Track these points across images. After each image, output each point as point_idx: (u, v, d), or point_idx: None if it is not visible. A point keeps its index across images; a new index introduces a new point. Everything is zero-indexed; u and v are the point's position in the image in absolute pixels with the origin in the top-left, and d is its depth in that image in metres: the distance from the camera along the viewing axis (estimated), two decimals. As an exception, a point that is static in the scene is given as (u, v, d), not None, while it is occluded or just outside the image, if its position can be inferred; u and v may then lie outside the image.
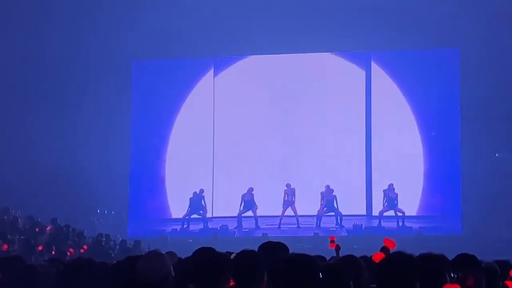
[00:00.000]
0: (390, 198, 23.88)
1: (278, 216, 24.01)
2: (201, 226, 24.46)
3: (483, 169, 23.18)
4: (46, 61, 25.08)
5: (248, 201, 24.01)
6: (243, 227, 24.15)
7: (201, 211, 24.51)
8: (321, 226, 23.92)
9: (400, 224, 23.76)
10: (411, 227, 23.47)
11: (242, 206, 24.07)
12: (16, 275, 6.52)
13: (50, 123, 24.72)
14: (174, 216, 25.02)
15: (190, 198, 24.53)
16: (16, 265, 6.77)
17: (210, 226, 24.39)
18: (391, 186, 23.83)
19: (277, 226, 23.88)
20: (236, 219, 24.21)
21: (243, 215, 24.14)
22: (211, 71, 25.91)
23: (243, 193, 24.12)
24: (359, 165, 24.83)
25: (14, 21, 24.45)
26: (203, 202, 24.61)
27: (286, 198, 23.99)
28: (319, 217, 24.04)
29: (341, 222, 23.89)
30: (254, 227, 24.08)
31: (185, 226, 24.39)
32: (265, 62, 25.66)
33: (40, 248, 13.90)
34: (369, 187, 24.71)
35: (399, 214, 23.83)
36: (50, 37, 24.74)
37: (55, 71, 25.23)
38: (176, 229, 24.37)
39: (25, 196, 21.28)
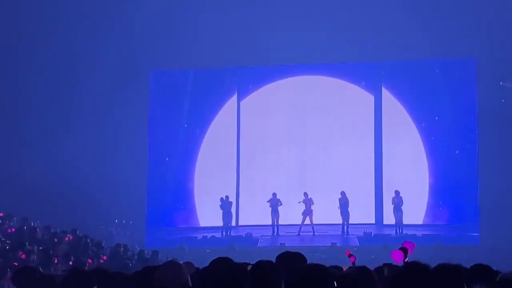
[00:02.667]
0: (397, 204, 24.14)
1: (297, 225, 24.62)
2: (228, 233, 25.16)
3: (501, 178, 23.04)
4: (64, 71, 25.28)
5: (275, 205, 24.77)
6: (265, 235, 24.77)
7: (230, 218, 25.22)
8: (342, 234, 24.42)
9: (418, 234, 23.75)
10: (428, 237, 23.41)
11: (272, 211, 24.77)
12: (31, 285, 6.55)
13: (68, 134, 24.86)
14: (201, 225, 25.62)
15: (221, 205, 24.87)
16: (31, 275, 6.81)
17: (232, 234, 25.09)
18: (397, 193, 23.99)
19: (295, 234, 24.54)
20: (258, 227, 24.89)
21: (265, 223, 24.88)
22: (235, 83, 26.14)
23: (265, 201, 24.77)
24: (369, 176, 25.01)
25: (34, 30, 24.66)
26: (231, 209, 25.04)
27: (305, 208, 24.58)
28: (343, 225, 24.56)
29: (347, 229, 24.26)
30: (275, 234, 24.81)
31: (224, 234, 24.99)
32: (288, 83, 25.99)
33: (56, 260, 13.95)
34: (379, 197, 24.82)
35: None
36: (68, 47, 24.95)
37: (73, 80, 25.40)
38: (207, 236, 24.90)
39: (44, 207, 21.38)
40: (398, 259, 5.67)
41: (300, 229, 24.63)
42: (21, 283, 6.79)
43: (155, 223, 25.42)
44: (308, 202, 24.50)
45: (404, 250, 5.67)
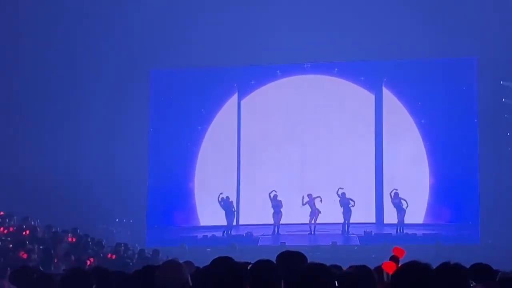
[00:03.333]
0: (397, 205, 24.04)
1: (297, 224, 24.63)
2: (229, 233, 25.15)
3: (501, 177, 23.04)
4: (64, 71, 25.28)
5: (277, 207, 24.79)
6: (265, 234, 24.75)
7: (233, 218, 25.21)
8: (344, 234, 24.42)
9: (419, 233, 23.76)
10: (429, 236, 23.42)
11: (274, 213, 24.71)
12: (30, 285, 6.55)
13: (69, 133, 24.88)
14: (202, 224, 25.60)
15: (222, 204, 24.78)
16: (30, 275, 6.80)
17: (233, 233, 25.04)
18: (396, 194, 23.99)
19: (296, 233, 24.48)
20: (258, 226, 24.87)
21: (266, 223, 24.81)
22: (235, 82, 26.13)
23: (265, 200, 24.74)
24: (370, 175, 24.99)
25: (34, 30, 24.65)
26: (233, 208, 24.97)
27: (311, 209, 24.67)
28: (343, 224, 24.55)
29: (348, 228, 24.27)
30: (276, 233, 24.80)
31: (224, 233, 24.93)
32: (289, 82, 25.95)
33: (56, 259, 13.94)
34: (379, 196, 24.81)
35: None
36: (68, 47, 24.96)
37: (74, 79, 25.40)
38: (207, 235, 24.90)
39: (45, 206, 21.38)
40: (391, 271, 5.66)
41: (310, 228, 24.63)
42: (20, 282, 6.78)
43: (156, 222, 25.42)
44: (311, 202, 24.52)
45: (395, 259, 5.65)
